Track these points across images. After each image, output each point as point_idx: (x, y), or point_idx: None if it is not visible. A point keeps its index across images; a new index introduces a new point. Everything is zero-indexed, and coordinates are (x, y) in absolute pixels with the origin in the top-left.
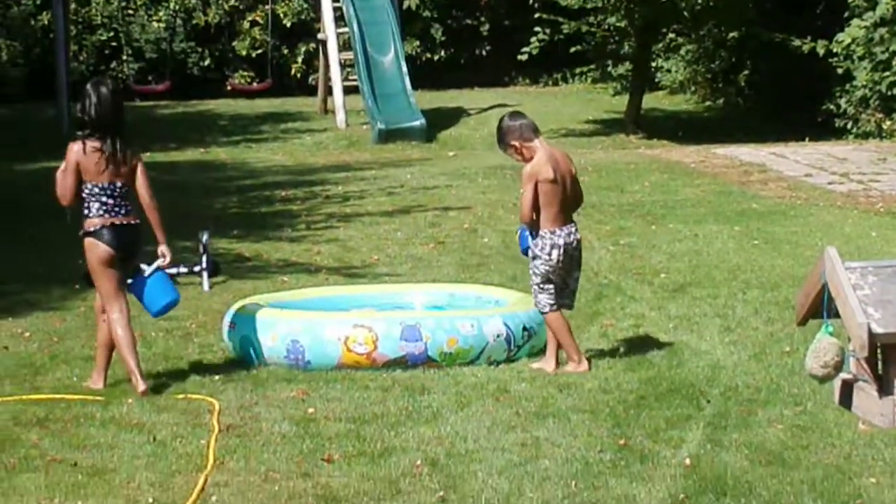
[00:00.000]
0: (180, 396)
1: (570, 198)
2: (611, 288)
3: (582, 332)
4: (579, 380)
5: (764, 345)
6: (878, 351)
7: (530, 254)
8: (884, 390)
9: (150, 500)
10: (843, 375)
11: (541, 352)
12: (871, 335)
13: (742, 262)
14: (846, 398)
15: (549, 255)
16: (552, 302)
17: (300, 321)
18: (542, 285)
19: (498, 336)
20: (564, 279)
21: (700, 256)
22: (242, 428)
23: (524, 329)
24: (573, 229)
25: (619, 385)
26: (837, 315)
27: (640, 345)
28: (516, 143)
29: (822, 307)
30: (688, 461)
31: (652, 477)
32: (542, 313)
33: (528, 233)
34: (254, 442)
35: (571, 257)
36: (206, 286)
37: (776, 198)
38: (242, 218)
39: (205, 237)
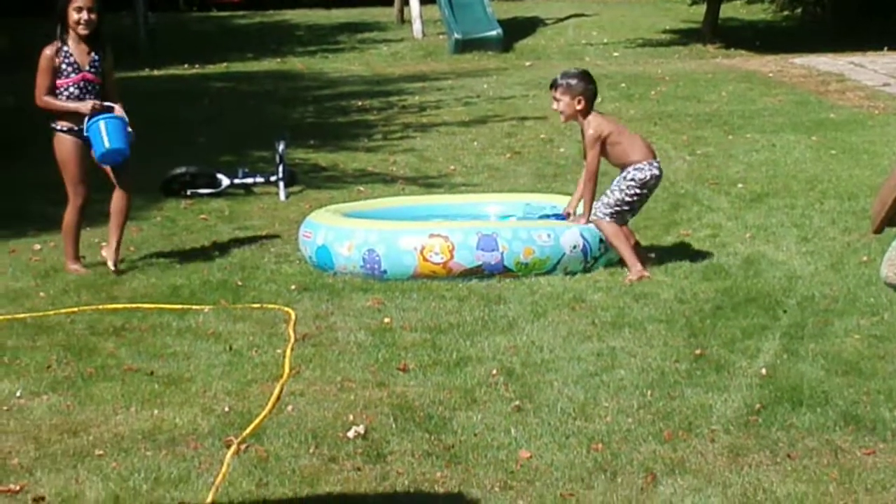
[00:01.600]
0: (256, 306)
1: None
2: (687, 198)
3: (658, 242)
4: (655, 289)
5: (841, 255)
6: None
7: (627, 175)
8: None
9: (226, 409)
10: None
11: (618, 263)
12: None
13: (819, 171)
14: None
15: (646, 182)
16: (612, 214)
17: (376, 231)
18: (621, 206)
19: (574, 247)
20: (638, 209)
21: (777, 166)
22: (318, 337)
23: (601, 241)
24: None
25: (695, 295)
26: None
27: (717, 255)
28: (579, 98)
29: None
30: (764, 371)
31: (728, 387)
32: (600, 221)
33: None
34: (329, 351)
35: (655, 188)
36: (282, 195)
37: (854, 107)
38: (319, 128)
39: (281, 147)
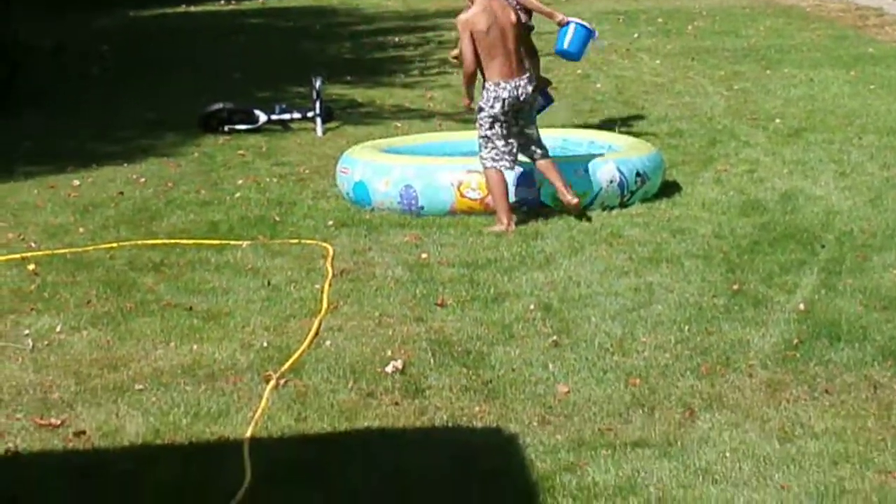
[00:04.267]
0: (294, 241)
1: (511, 51)
2: (725, 133)
3: (696, 178)
4: (693, 225)
5: (879, 190)
6: None
7: (476, 105)
8: None
9: (265, 344)
10: None
11: (654, 197)
12: None
13: (857, 106)
14: None
15: (493, 106)
16: (493, 157)
17: (413, 166)
18: (484, 139)
19: (611, 182)
20: (506, 137)
21: (815, 101)
22: (356, 272)
23: (637, 175)
24: (521, 83)
25: (732, 230)
26: None
27: (755, 190)
28: None
29: None
30: (802, 306)
31: (765, 322)
32: (483, 168)
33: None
34: (367, 286)
35: (516, 112)
36: (319, 132)
37: (893, 42)
38: (355, 64)
39: (318, 83)
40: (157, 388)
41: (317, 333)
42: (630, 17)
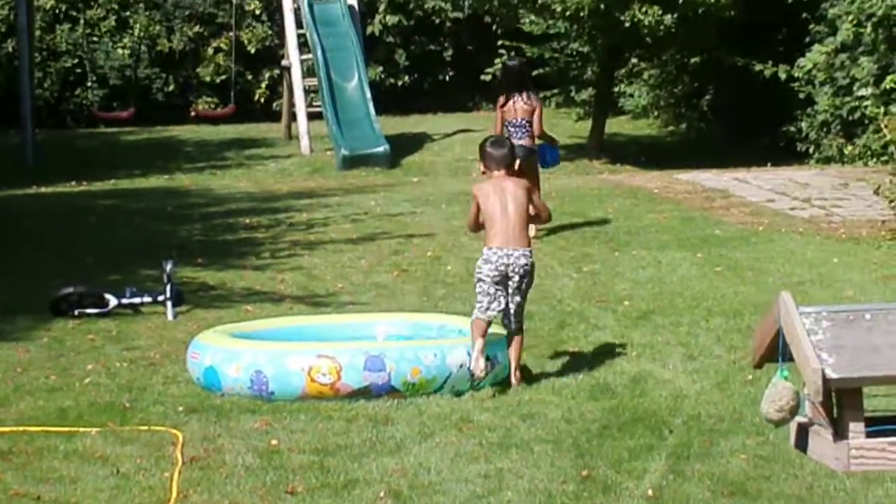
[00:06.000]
0: (143, 428)
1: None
2: (574, 316)
3: (546, 361)
4: (542, 409)
5: (727, 373)
6: (833, 395)
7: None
8: (838, 434)
9: None
10: (799, 419)
11: (505, 381)
12: (826, 380)
13: (705, 288)
14: (802, 441)
15: (480, 268)
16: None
17: (264, 352)
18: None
19: (461, 366)
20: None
21: (663, 283)
22: (206, 460)
23: (487, 359)
24: (512, 253)
25: (582, 414)
26: (793, 359)
27: (604, 374)
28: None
29: (778, 351)
30: (650, 492)
31: None
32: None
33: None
34: (217, 474)
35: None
36: (170, 315)
37: (738, 224)
38: (206, 246)
39: (168, 266)
40: None
41: None
42: None
